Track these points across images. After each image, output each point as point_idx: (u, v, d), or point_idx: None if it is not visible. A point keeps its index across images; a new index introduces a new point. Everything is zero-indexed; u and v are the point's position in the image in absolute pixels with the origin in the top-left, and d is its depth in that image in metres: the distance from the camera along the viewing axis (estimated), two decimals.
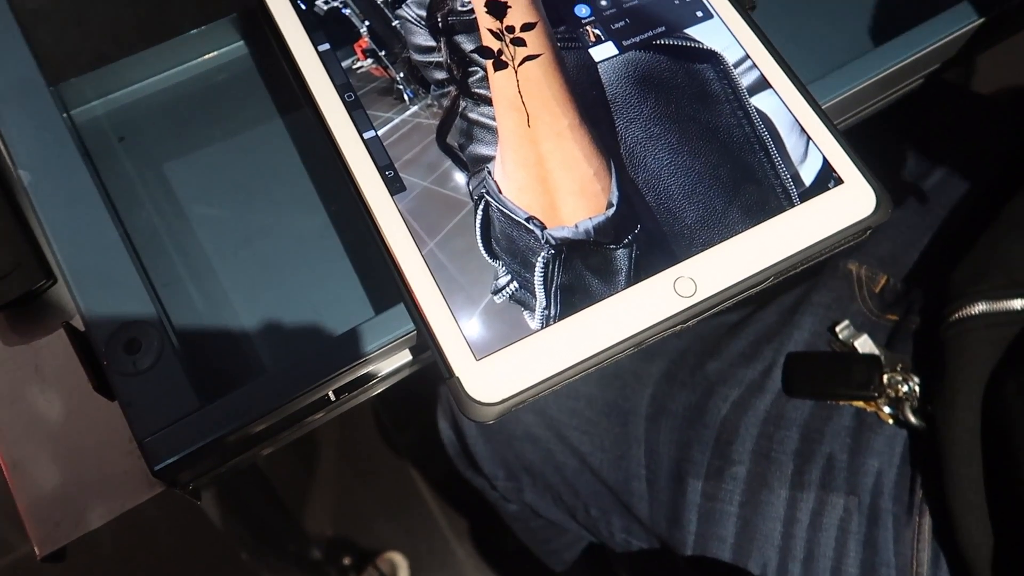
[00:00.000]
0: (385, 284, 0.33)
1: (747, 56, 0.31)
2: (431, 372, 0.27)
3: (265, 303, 0.33)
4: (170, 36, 0.37)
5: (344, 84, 0.30)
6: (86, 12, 0.35)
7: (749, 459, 0.45)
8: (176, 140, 0.37)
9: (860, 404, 0.44)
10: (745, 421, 0.46)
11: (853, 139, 0.30)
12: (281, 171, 0.36)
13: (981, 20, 0.35)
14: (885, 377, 0.44)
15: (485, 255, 0.27)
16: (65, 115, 0.34)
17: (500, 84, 0.30)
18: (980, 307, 0.41)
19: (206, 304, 0.33)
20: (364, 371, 0.29)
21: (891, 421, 0.44)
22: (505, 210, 0.28)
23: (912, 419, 0.43)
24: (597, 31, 0.31)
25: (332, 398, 0.29)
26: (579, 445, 0.49)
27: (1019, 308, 0.40)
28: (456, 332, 0.26)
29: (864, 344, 0.45)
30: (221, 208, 0.35)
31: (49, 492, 0.27)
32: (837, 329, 0.46)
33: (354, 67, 0.30)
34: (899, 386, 0.43)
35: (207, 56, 0.39)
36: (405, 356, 0.31)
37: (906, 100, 0.41)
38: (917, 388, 0.43)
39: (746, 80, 0.31)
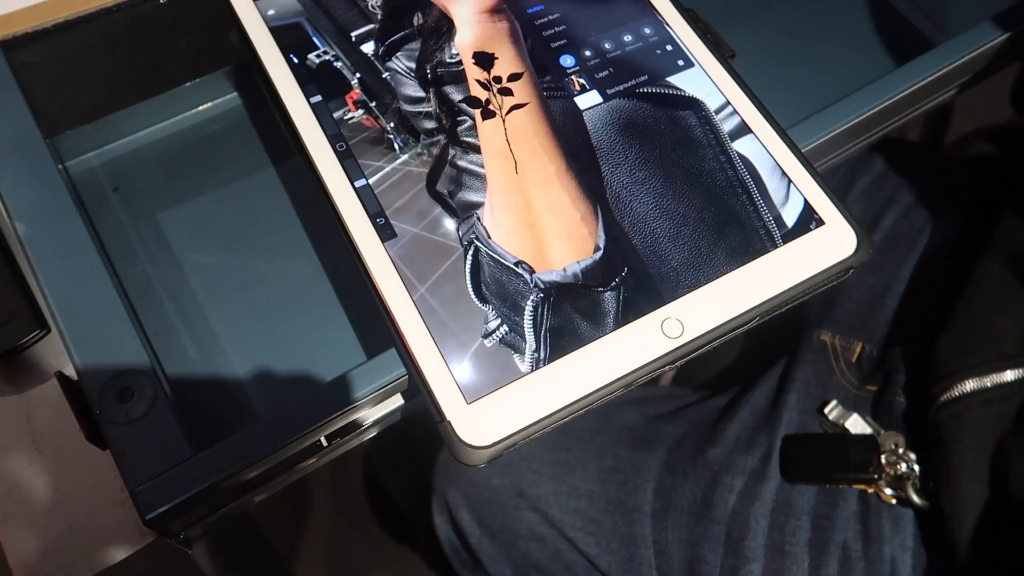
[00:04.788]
0: (377, 330, 0.33)
1: (728, 102, 0.32)
2: (425, 418, 0.27)
3: (258, 350, 0.33)
4: (165, 88, 0.38)
5: (336, 134, 0.30)
6: (82, 66, 0.36)
7: (763, 555, 0.44)
8: (170, 190, 0.38)
9: (861, 487, 0.44)
10: (754, 512, 0.45)
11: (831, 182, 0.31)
12: (274, 219, 0.37)
13: (956, 62, 0.36)
14: (883, 457, 0.43)
15: (475, 299, 0.28)
16: (61, 167, 0.35)
17: (488, 133, 0.31)
18: (970, 384, 0.41)
19: (199, 352, 0.33)
20: (356, 416, 0.29)
21: (894, 501, 0.43)
22: (494, 255, 0.29)
23: (916, 499, 0.42)
24: (582, 80, 0.32)
25: (324, 443, 0.29)
26: (585, 547, 0.48)
27: (1011, 380, 0.40)
28: (447, 376, 0.26)
29: (855, 424, 0.45)
30: (214, 256, 0.36)
31: (41, 544, 0.27)
32: (826, 411, 0.46)
33: (345, 118, 0.31)
34: (898, 465, 0.43)
35: (201, 107, 0.40)
36: (397, 400, 0.31)
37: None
38: (916, 467, 0.43)
39: (727, 125, 0.32)
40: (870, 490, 0.44)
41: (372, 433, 0.33)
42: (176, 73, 0.38)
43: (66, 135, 0.37)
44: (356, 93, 0.31)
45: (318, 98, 0.31)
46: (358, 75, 0.32)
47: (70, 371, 0.28)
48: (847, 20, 0.43)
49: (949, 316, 0.45)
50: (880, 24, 0.43)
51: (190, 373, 0.32)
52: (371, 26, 0.33)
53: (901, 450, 0.44)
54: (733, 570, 0.45)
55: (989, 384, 0.41)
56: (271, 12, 0.33)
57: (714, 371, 0.63)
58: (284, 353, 0.33)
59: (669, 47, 0.34)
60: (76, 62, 0.36)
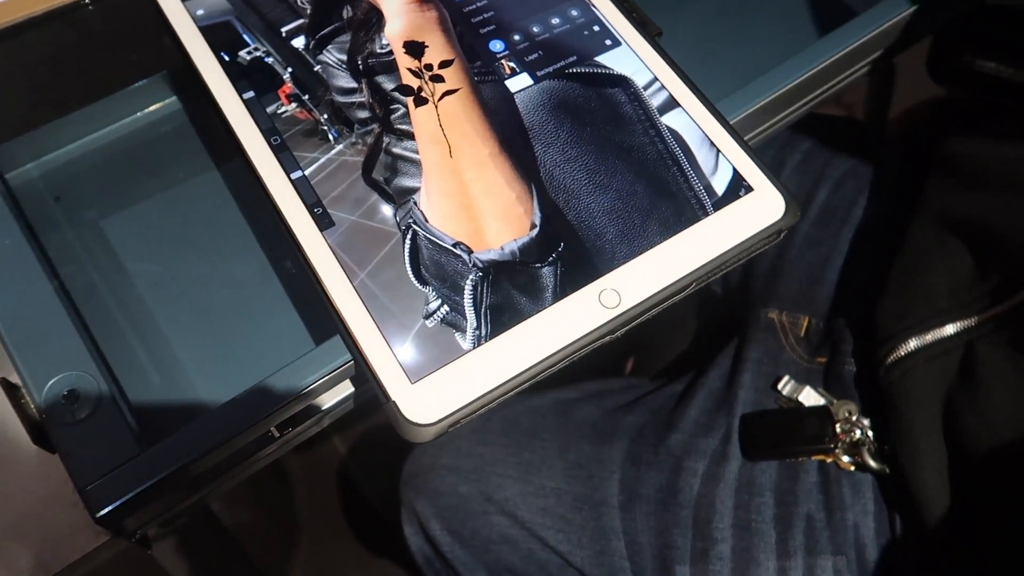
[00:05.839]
0: (322, 319, 0.34)
1: (655, 79, 0.33)
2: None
3: (207, 348, 0.34)
4: (101, 95, 0.38)
5: (270, 128, 0.31)
6: (13, 76, 0.36)
7: (731, 535, 0.45)
8: (113, 197, 0.38)
9: (820, 457, 0.45)
10: (719, 493, 0.45)
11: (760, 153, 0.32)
12: (218, 220, 0.37)
13: (875, 31, 0.37)
14: (837, 426, 0.44)
15: (415, 282, 0.28)
16: None
17: (421, 119, 0.31)
18: (913, 343, 0.42)
19: (148, 355, 0.33)
20: (305, 404, 0.30)
21: (852, 468, 0.44)
22: (432, 237, 0.29)
23: (872, 464, 0.43)
24: (512, 64, 0.33)
25: (276, 433, 0.30)
26: (557, 545, 0.48)
27: (952, 333, 0.41)
28: (390, 358, 0.27)
29: (808, 396, 0.46)
30: (160, 260, 0.36)
31: None
32: (779, 386, 0.47)
33: (279, 112, 0.31)
34: (852, 433, 0.44)
35: (140, 113, 0.40)
36: (347, 388, 0.31)
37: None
38: (870, 432, 0.44)
39: (656, 101, 0.33)
40: (828, 460, 0.45)
41: (326, 422, 0.33)
42: (112, 79, 0.38)
43: (2, 147, 0.37)
44: (288, 87, 0.32)
45: (251, 94, 0.31)
46: (290, 69, 0.32)
47: (14, 377, 0.28)
48: None
49: (886, 282, 0.46)
50: None
51: (139, 375, 0.33)
52: (301, 21, 0.33)
53: (855, 417, 0.45)
54: (703, 552, 0.45)
55: (930, 339, 0.42)
56: (200, 12, 0.33)
57: (669, 359, 0.64)
58: (232, 350, 0.34)
59: (596, 28, 0.34)
60: (7, 73, 0.36)
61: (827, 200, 0.53)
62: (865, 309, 0.47)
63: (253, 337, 0.34)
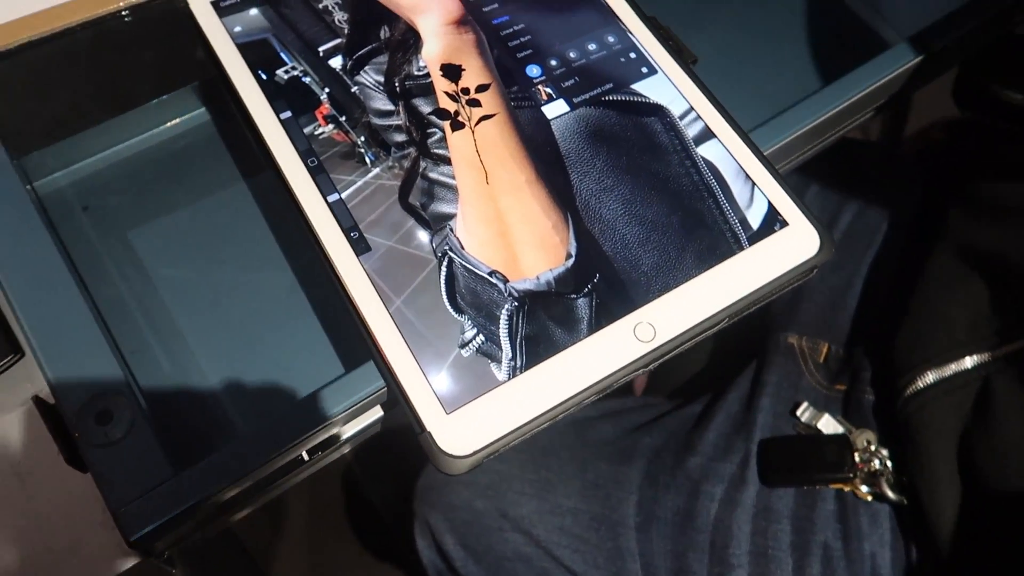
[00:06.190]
0: (352, 340, 0.34)
1: (691, 108, 0.33)
2: (404, 428, 0.27)
3: (234, 364, 0.33)
4: (132, 106, 0.38)
5: (307, 150, 0.31)
6: (47, 85, 0.36)
7: (748, 561, 0.45)
8: (140, 207, 0.37)
9: (838, 486, 0.45)
10: (736, 519, 0.45)
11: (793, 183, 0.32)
12: (245, 233, 0.37)
13: (915, 60, 0.37)
14: (856, 456, 0.44)
15: (451, 310, 0.28)
16: (29, 187, 0.34)
17: (458, 144, 0.31)
18: (931, 376, 0.42)
19: (175, 369, 0.33)
20: (336, 429, 0.29)
21: (870, 498, 0.44)
22: (468, 265, 0.29)
23: (891, 494, 0.43)
24: (548, 90, 0.33)
25: (305, 458, 0.30)
26: (572, 564, 0.48)
27: (970, 367, 0.41)
28: (426, 387, 0.27)
29: (827, 424, 0.46)
30: (187, 272, 0.36)
31: (22, 569, 0.27)
32: (798, 412, 0.47)
33: (316, 133, 0.31)
34: (871, 462, 0.44)
35: (169, 123, 0.40)
36: (376, 412, 0.31)
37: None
38: (889, 463, 0.44)
39: (692, 131, 0.33)
40: (846, 488, 0.45)
41: (353, 444, 0.33)
42: (143, 90, 0.38)
43: (33, 155, 0.37)
44: (326, 108, 0.32)
45: (288, 114, 0.31)
46: (327, 90, 0.32)
47: (46, 395, 0.28)
48: (804, 20, 0.44)
49: (906, 311, 0.46)
50: (836, 24, 0.44)
51: (166, 390, 0.33)
52: (338, 40, 0.33)
53: (873, 447, 0.45)
54: None
55: (949, 373, 0.43)
56: (237, 29, 0.33)
57: (686, 378, 0.64)
58: (260, 366, 0.34)
59: (632, 55, 0.34)
60: (41, 82, 0.35)
61: (850, 225, 0.53)
62: (884, 337, 0.47)
63: (279, 353, 0.34)
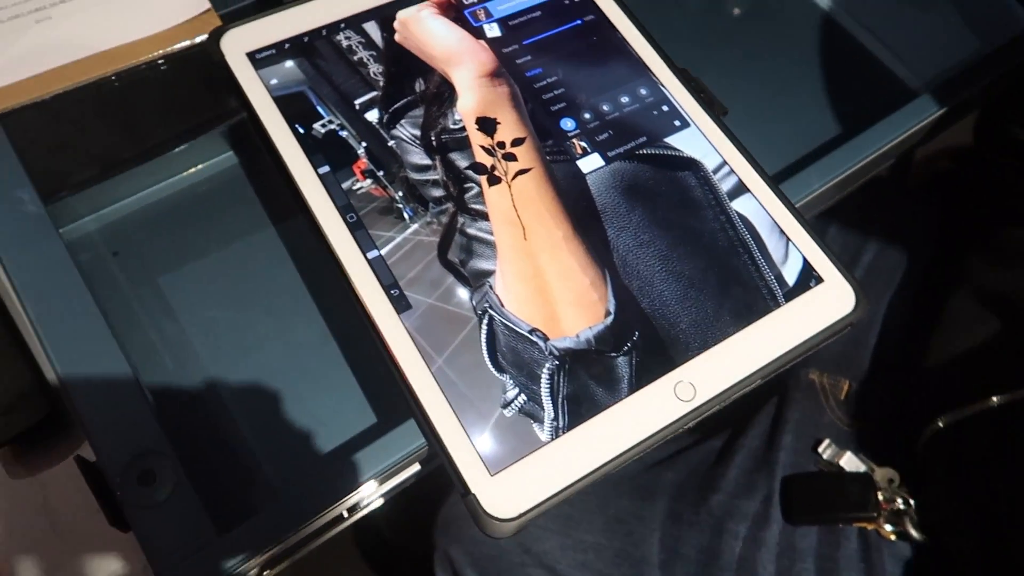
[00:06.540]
0: (386, 390, 0.34)
1: (724, 162, 0.33)
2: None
3: (267, 416, 0.33)
4: (161, 152, 0.38)
5: (345, 205, 0.31)
6: (79, 133, 0.36)
7: None
8: (170, 252, 0.37)
9: (861, 524, 0.45)
10: (761, 558, 0.45)
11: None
12: (275, 279, 0.37)
13: (941, 111, 0.38)
14: (879, 494, 0.44)
15: (492, 369, 0.28)
16: (58, 233, 0.34)
17: (495, 199, 0.31)
18: (952, 416, 0.43)
19: (207, 420, 0.33)
20: (376, 487, 0.30)
21: (893, 537, 0.44)
22: (509, 323, 0.29)
23: (915, 534, 0.44)
24: (583, 143, 0.33)
25: (345, 515, 0.30)
26: None
27: (990, 407, 0.42)
28: (470, 448, 0.27)
29: (850, 462, 0.46)
30: (218, 320, 0.36)
31: None
32: (820, 450, 0.47)
33: (354, 188, 0.31)
34: (895, 501, 0.44)
35: (196, 168, 0.40)
36: (415, 467, 0.31)
37: None
38: (912, 501, 0.44)
39: (725, 185, 0.33)
40: (870, 527, 0.45)
41: (387, 497, 0.33)
42: (171, 136, 0.38)
43: (63, 200, 0.36)
44: (363, 162, 0.32)
45: (326, 168, 0.31)
46: (364, 144, 0.32)
47: (87, 453, 0.28)
48: (827, 67, 0.44)
49: (926, 350, 0.47)
50: (859, 70, 0.44)
51: (200, 443, 0.32)
52: (374, 93, 0.33)
53: (896, 485, 0.45)
54: None
55: (968, 413, 0.43)
56: (273, 81, 0.33)
57: None
58: (293, 417, 0.34)
59: (665, 107, 0.34)
60: (73, 130, 0.35)
61: (872, 263, 0.53)
62: (905, 375, 0.47)
63: (313, 404, 0.34)
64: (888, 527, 0.44)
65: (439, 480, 0.30)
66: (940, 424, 0.43)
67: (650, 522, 0.48)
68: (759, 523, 0.46)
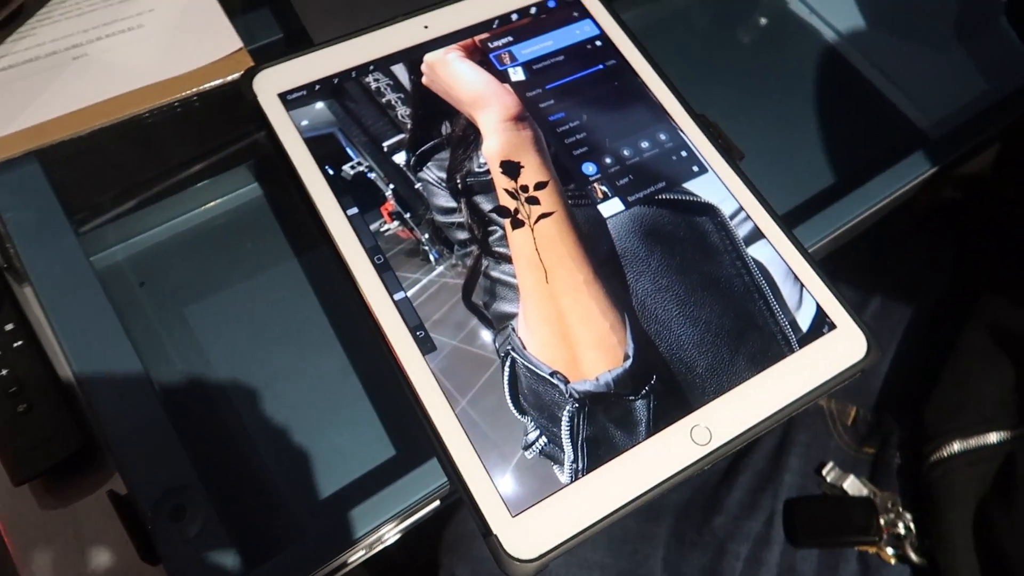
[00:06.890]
0: (406, 424, 0.34)
1: (741, 208, 0.34)
2: None
3: (291, 448, 0.34)
4: (190, 184, 0.39)
5: (373, 247, 0.32)
6: (112, 167, 0.37)
7: None
8: (196, 283, 0.38)
9: (862, 548, 0.46)
10: None
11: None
12: (299, 311, 0.38)
13: (954, 156, 0.39)
14: (882, 518, 0.46)
15: (514, 411, 0.29)
16: (88, 262, 0.35)
17: (518, 242, 0.32)
18: (957, 445, 0.44)
19: (233, 454, 0.34)
20: (398, 523, 0.30)
21: (893, 561, 0.45)
22: (530, 366, 0.30)
23: (915, 558, 0.45)
24: (604, 188, 0.34)
25: (367, 550, 0.30)
26: None
27: (995, 441, 0.43)
28: (491, 489, 0.28)
29: (853, 486, 0.47)
30: (242, 351, 0.37)
31: None
32: (824, 472, 0.48)
33: (382, 230, 0.32)
34: (896, 525, 0.45)
35: (222, 199, 0.41)
36: (434, 504, 0.32)
37: None
38: (913, 526, 0.45)
39: (742, 231, 0.34)
40: (871, 550, 0.46)
41: (405, 531, 0.34)
42: (201, 170, 0.39)
43: (93, 230, 0.37)
44: (391, 204, 0.33)
45: (355, 210, 0.32)
46: (391, 186, 0.33)
47: (117, 484, 0.29)
48: (840, 109, 0.45)
49: (936, 381, 0.48)
50: (871, 112, 0.45)
51: (226, 476, 0.33)
52: (402, 136, 0.34)
53: (899, 509, 0.46)
54: None
55: (974, 444, 0.44)
56: (304, 123, 0.34)
57: None
58: (316, 448, 0.34)
59: (684, 153, 0.35)
60: (106, 164, 0.36)
61: (884, 299, 0.54)
62: (913, 404, 0.48)
63: (336, 435, 0.35)
64: (889, 550, 0.45)
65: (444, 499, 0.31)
66: (944, 452, 0.44)
67: (654, 542, 0.49)
68: (760, 544, 0.47)
